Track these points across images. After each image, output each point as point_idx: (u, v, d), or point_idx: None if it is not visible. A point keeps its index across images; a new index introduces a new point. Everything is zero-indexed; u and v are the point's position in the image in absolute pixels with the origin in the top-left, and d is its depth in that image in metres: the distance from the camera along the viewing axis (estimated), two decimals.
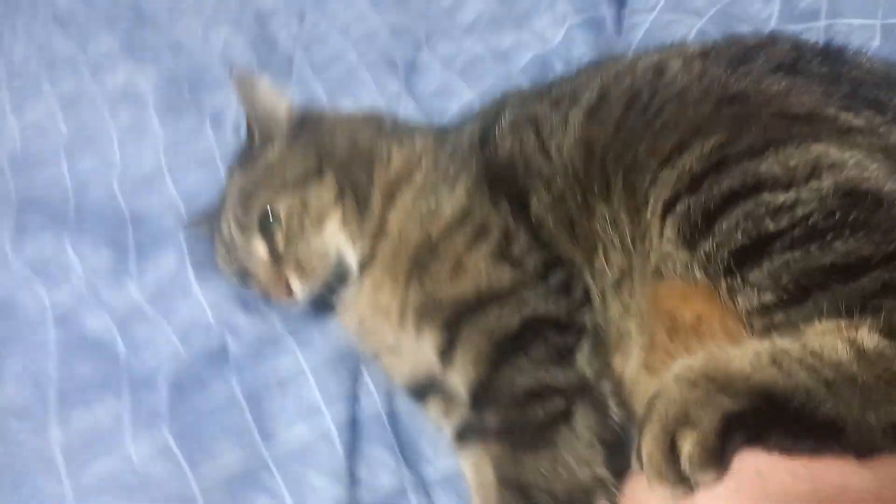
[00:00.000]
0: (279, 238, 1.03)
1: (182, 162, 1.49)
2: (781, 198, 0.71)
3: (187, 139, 1.53)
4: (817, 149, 0.74)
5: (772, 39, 0.99)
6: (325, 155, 1.06)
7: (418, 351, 1.00)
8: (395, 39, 1.63)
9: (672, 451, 0.61)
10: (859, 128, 0.78)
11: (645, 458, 0.63)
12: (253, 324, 1.16)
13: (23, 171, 1.52)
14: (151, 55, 1.79)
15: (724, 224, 0.73)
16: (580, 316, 0.91)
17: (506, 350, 0.88)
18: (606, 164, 0.90)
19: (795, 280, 0.68)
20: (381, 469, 1.02)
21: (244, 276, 1.11)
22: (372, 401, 1.09)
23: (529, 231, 0.95)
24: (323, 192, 1.04)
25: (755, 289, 0.70)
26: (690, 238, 0.76)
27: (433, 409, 1.06)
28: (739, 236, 0.72)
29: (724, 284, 0.73)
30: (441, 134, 1.14)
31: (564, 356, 0.87)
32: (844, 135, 0.77)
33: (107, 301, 1.25)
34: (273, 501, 0.96)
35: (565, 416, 0.83)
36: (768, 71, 0.88)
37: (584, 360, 0.88)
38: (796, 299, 0.68)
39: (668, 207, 0.79)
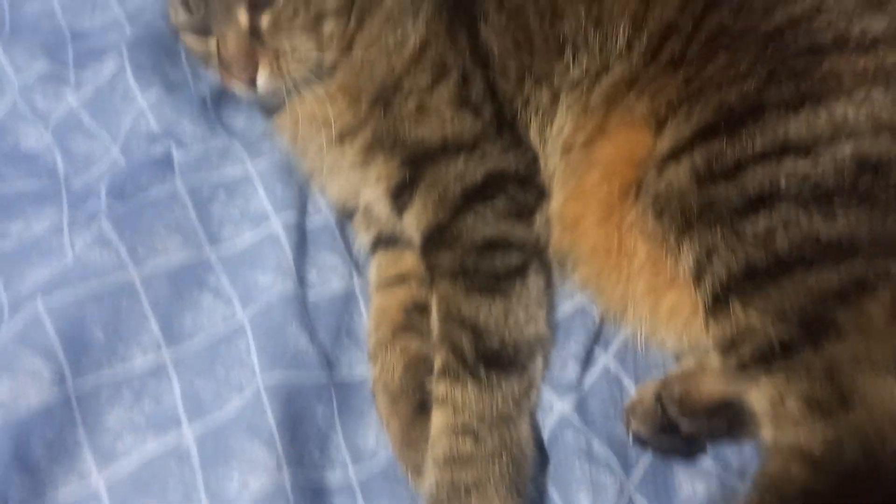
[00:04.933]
0: (265, 18, 0.90)
1: None
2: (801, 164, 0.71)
3: None
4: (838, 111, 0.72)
5: None
6: None
7: (354, 175, 0.98)
8: None
9: None
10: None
11: None
12: (198, 132, 1.09)
13: None
14: None
15: (748, 176, 0.72)
16: (537, 174, 0.92)
17: (471, 199, 0.88)
18: None
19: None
20: (331, 274, 0.98)
21: (201, 30, 0.97)
22: (322, 212, 1.05)
23: (483, 73, 0.93)
24: None
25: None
26: (706, 175, 0.75)
27: (356, 223, 1.06)
28: (754, 188, 0.72)
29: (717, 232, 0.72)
30: None
31: (525, 214, 0.90)
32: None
33: (43, 112, 1.17)
34: (218, 300, 0.92)
35: (521, 272, 0.86)
36: None
37: (540, 220, 0.91)
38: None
39: (699, 135, 0.76)
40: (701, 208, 0.74)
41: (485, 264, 0.85)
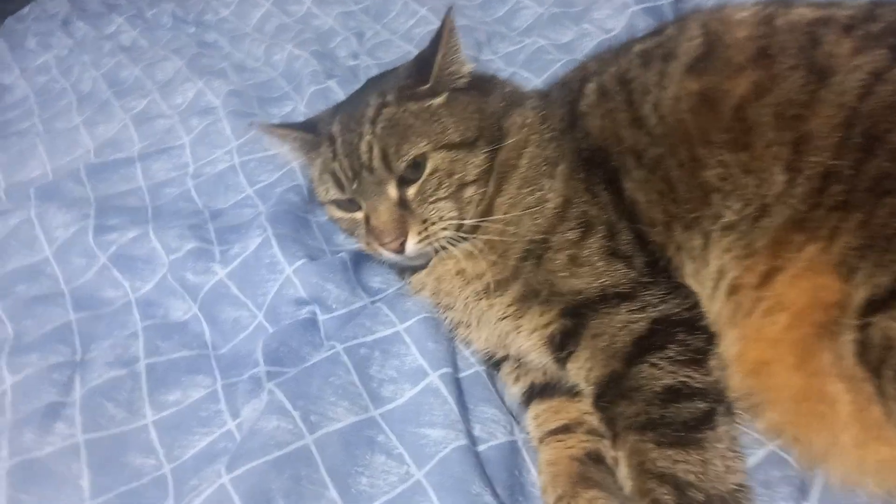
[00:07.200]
0: (411, 190, 0.97)
1: (254, 161, 1.51)
2: None
3: (259, 141, 1.55)
4: None
5: None
6: (484, 127, 1.02)
7: (505, 326, 1.00)
8: None
9: None
10: None
11: None
12: (343, 296, 1.13)
13: (99, 177, 1.54)
14: (217, 75, 1.84)
15: None
16: (702, 317, 0.91)
17: (643, 348, 0.88)
18: (746, 115, 0.88)
19: None
20: (495, 427, 0.96)
21: (348, 203, 1.04)
22: (473, 366, 1.05)
23: (630, 223, 0.96)
24: (472, 163, 0.99)
25: None
26: None
27: (505, 375, 1.07)
28: None
29: None
30: (544, 101, 1.10)
31: (699, 359, 0.87)
32: None
33: (193, 286, 1.24)
34: (390, 459, 0.91)
35: (708, 419, 0.83)
36: None
37: (715, 364, 0.88)
38: None
39: None
40: None
41: (670, 414, 0.82)
